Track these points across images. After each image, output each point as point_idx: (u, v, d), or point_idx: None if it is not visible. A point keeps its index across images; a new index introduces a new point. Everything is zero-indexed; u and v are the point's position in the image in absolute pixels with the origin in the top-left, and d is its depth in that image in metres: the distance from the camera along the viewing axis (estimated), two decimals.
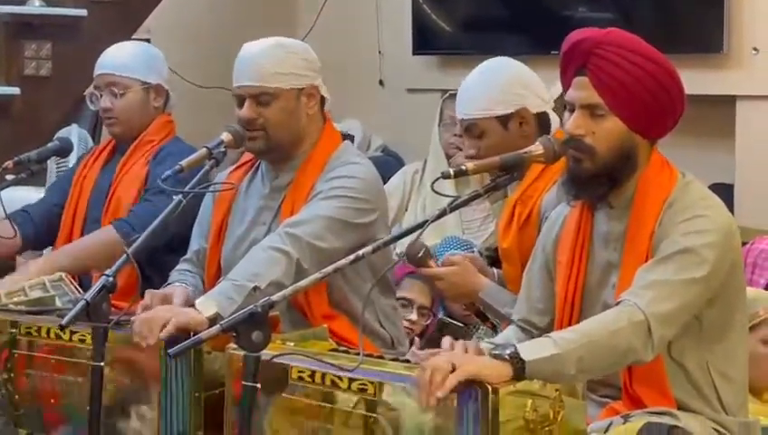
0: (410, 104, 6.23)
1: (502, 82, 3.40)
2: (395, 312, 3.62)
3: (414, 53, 6.18)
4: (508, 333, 3.03)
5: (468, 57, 5.56)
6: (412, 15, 6.16)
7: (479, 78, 3.43)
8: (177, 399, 3.02)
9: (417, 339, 4.08)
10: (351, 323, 3.38)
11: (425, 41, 6.16)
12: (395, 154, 6.26)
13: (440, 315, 4.36)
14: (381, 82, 6.47)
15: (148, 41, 6.23)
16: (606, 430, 2.70)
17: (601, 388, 2.87)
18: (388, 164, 6.00)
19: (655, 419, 2.67)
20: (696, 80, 5.13)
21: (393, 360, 2.87)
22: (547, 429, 2.62)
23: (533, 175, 3.37)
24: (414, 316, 4.16)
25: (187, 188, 3.21)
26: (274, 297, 2.58)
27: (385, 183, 5.38)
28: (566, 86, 2.83)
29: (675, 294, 2.65)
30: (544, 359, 2.50)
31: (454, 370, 2.43)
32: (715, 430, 2.77)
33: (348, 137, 6.16)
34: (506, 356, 2.49)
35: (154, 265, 3.88)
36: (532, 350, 2.51)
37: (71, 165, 4.54)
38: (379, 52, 6.45)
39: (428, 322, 4.21)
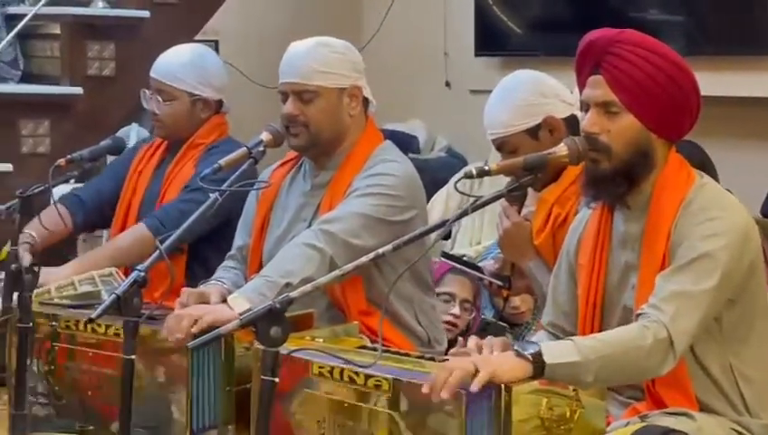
0: (474, 105, 6.22)
1: (522, 96, 3.40)
2: (433, 310, 3.64)
3: (476, 55, 6.20)
4: (540, 337, 3.04)
5: (532, 58, 5.57)
6: (475, 17, 6.18)
7: (500, 96, 3.44)
8: (208, 393, 3.08)
9: (461, 339, 4.11)
10: (388, 319, 3.41)
11: (487, 42, 6.17)
12: (459, 155, 6.29)
13: (489, 316, 4.38)
14: (448, 84, 6.48)
15: (216, 42, 6.34)
16: None
17: (626, 389, 2.87)
18: (451, 165, 6.04)
19: (673, 420, 2.67)
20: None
21: (419, 357, 2.90)
22: (563, 428, 2.64)
23: (571, 177, 3.37)
24: (457, 310, 4.20)
25: (224, 187, 3.27)
26: (293, 293, 2.61)
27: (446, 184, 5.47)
28: (581, 87, 2.83)
29: (697, 307, 2.66)
30: (565, 364, 2.53)
31: (477, 371, 2.46)
32: (736, 431, 2.76)
33: (411, 138, 6.24)
34: (528, 356, 2.52)
35: (198, 261, 3.96)
36: (556, 353, 2.54)
37: None
38: (445, 53, 6.47)
39: (472, 316, 4.23)
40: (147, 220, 3.95)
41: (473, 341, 2.80)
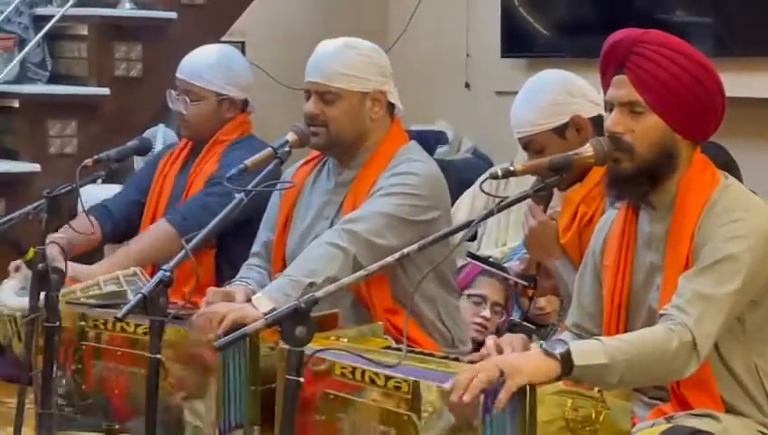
0: (499, 107, 6.23)
1: (550, 95, 3.41)
2: (457, 311, 3.65)
3: (502, 56, 6.19)
4: (564, 338, 3.03)
5: (558, 60, 5.55)
6: (501, 19, 6.17)
7: (527, 95, 3.45)
8: (233, 392, 3.09)
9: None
10: (413, 318, 3.41)
11: (513, 43, 6.16)
12: (484, 156, 6.29)
13: (516, 317, 4.37)
14: (467, 85, 6.49)
15: (242, 44, 6.36)
16: None
17: (651, 390, 2.87)
18: (477, 166, 6.04)
19: (698, 421, 2.67)
20: None
21: (443, 358, 2.90)
22: (588, 429, 2.64)
23: (596, 177, 3.36)
24: (488, 313, 4.20)
25: (249, 187, 3.27)
26: (318, 293, 2.62)
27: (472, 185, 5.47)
28: (605, 87, 2.83)
29: (720, 310, 2.66)
30: (593, 366, 2.52)
31: (502, 374, 2.45)
32: (762, 433, 2.75)
33: (439, 133, 6.25)
34: (557, 355, 2.51)
35: (226, 261, 3.97)
36: (584, 355, 2.53)
37: None
38: (467, 54, 6.47)
39: (503, 319, 4.23)
40: (168, 215, 3.98)
41: (491, 340, 2.79)
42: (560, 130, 3.39)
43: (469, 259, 4.02)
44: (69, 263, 3.86)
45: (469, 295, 4.19)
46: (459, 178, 5.49)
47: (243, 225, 3.77)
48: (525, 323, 4.27)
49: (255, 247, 3.69)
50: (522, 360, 2.54)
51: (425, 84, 6.35)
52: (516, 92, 3.53)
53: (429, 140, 5.92)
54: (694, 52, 2.80)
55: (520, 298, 4.31)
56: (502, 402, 2.44)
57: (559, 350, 2.51)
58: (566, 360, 2.50)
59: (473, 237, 5.11)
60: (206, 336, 3.07)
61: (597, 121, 3.36)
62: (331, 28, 6.49)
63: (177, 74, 4.13)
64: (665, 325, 2.63)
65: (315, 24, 6.64)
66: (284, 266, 3.50)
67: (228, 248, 3.98)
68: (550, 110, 3.39)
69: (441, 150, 6.22)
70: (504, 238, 5.20)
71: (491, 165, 5.97)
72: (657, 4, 5.65)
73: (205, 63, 4.11)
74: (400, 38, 6.46)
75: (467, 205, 5.45)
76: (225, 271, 3.92)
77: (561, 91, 3.41)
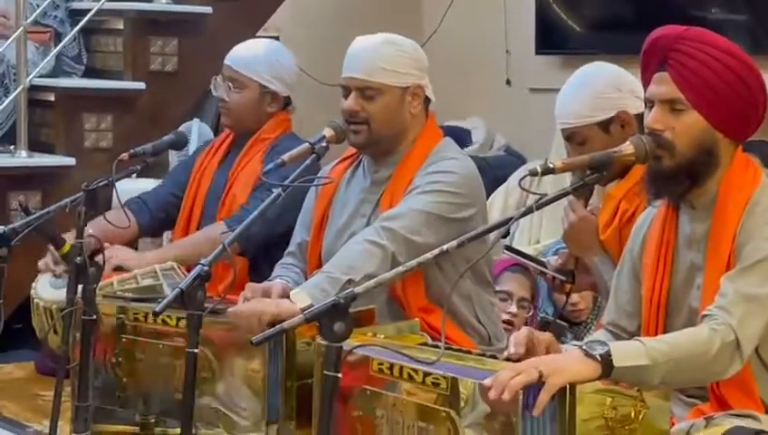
0: (533, 104, 6.23)
1: (598, 88, 3.39)
2: (492, 307, 3.64)
3: (537, 53, 6.18)
4: (598, 336, 3.02)
5: (593, 57, 5.51)
6: (536, 15, 6.16)
7: (575, 86, 3.43)
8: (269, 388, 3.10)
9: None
10: (449, 316, 3.40)
11: (548, 40, 6.15)
12: (517, 153, 6.27)
13: (548, 314, 4.36)
14: (509, 82, 6.47)
15: (277, 38, 6.36)
16: (687, 433, 2.69)
17: (690, 389, 2.85)
18: (510, 163, 6.02)
19: (738, 422, 2.65)
20: None
21: (480, 355, 2.89)
22: (627, 428, 2.62)
23: (639, 174, 3.34)
24: (514, 309, 4.19)
25: (286, 182, 3.28)
26: (357, 289, 2.60)
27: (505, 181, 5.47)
28: (646, 84, 2.82)
29: (764, 310, 2.65)
30: (634, 367, 2.51)
31: (541, 376, 2.44)
32: None
33: (464, 131, 6.24)
34: (597, 356, 2.49)
35: (264, 258, 3.97)
36: (625, 355, 2.51)
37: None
38: (507, 51, 6.45)
39: (529, 314, 4.22)
40: (228, 220, 3.97)
41: (525, 329, 2.75)
42: (604, 125, 3.37)
43: (507, 253, 4.01)
44: (118, 247, 3.93)
45: (495, 292, 4.18)
46: (492, 175, 5.48)
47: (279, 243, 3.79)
48: (559, 321, 4.26)
49: (290, 247, 3.69)
50: (562, 361, 2.53)
51: (459, 80, 6.34)
52: (550, 90, 3.51)
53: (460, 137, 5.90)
54: (736, 49, 2.78)
55: (554, 295, 4.30)
56: (542, 404, 2.42)
57: (599, 351, 2.50)
58: (606, 361, 2.49)
59: (506, 235, 5.10)
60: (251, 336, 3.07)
61: (642, 118, 3.34)
62: (364, 23, 6.52)
63: (225, 61, 4.17)
64: (708, 325, 2.62)
65: (349, 19, 6.64)
66: (320, 264, 3.51)
67: (260, 264, 3.98)
68: (596, 103, 3.37)
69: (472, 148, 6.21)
70: (537, 236, 5.19)
71: (524, 162, 5.97)
72: (692, 2, 5.63)
73: (253, 54, 4.15)
74: (435, 33, 6.45)
75: (501, 202, 5.45)
76: (264, 271, 3.88)
77: (609, 85, 3.39)
